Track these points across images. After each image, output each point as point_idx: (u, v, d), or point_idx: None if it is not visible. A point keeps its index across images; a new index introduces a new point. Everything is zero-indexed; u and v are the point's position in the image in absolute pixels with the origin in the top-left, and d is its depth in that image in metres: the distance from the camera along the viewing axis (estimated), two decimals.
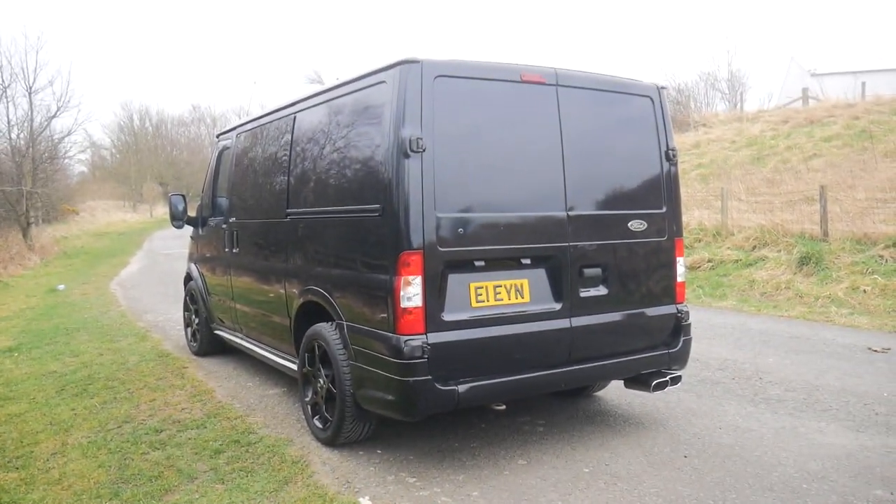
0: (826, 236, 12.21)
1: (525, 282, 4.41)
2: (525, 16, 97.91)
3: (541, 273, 4.48)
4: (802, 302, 10.45)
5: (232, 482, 4.35)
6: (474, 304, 4.23)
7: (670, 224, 5.02)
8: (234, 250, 6.56)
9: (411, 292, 4.02)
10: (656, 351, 4.94)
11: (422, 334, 4.04)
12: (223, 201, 7.01)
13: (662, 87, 5.09)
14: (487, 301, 4.27)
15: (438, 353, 4.05)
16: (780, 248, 12.56)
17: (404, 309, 4.02)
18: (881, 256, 11.18)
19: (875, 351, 7.42)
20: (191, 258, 8.15)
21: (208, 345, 7.74)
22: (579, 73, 4.70)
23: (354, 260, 4.51)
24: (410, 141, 3.99)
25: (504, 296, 4.33)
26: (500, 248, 4.31)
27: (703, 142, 23.28)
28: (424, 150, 4.02)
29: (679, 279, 5.07)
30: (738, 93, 40.95)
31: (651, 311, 4.92)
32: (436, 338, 4.07)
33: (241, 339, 6.77)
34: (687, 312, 5.09)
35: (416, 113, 4.04)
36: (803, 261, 11.61)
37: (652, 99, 5.01)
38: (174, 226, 7.63)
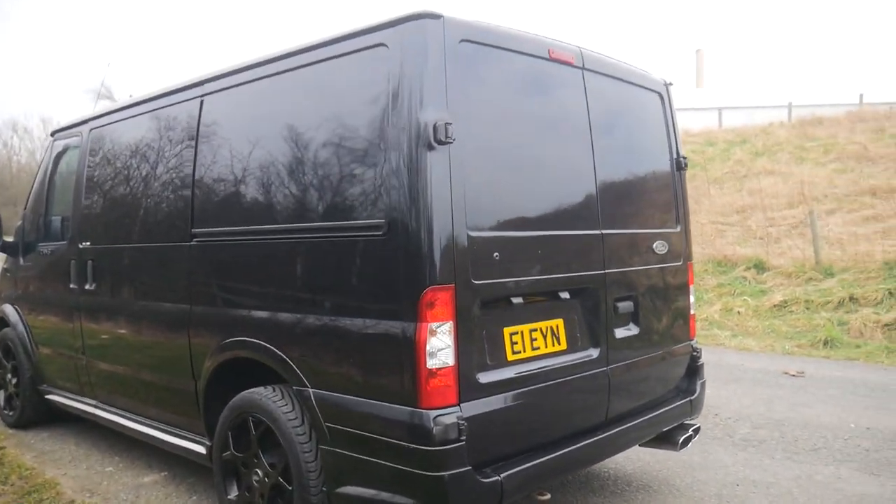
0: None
1: (560, 322, 3.33)
2: None
3: (575, 310, 3.42)
4: None
5: None
6: (510, 357, 3.07)
7: (685, 245, 4.22)
8: (88, 286, 4.78)
9: (438, 345, 2.77)
10: (679, 400, 4.06)
11: (454, 405, 2.80)
12: (64, 221, 5.19)
13: (669, 83, 4.29)
14: (524, 351, 3.13)
15: (477, 429, 2.83)
16: None
17: (430, 370, 2.75)
18: (744, 278, 11.45)
19: (792, 375, 7.22)
20: (5, 298, 6.07)
21: (32, 412, 5.75)
22: (602, 57, 3.73)
23: (334, 300, 3.12)
24: (436, 127, 2.76)
25: (540, 342, 3.21)
26: (539, 279, 3.19)
27: None
28: (454, 142, 2.82)
29: (692, 311, 4.27)
30: None
31: (674, 351, 4.06)
32: (472, 408, 2.85)
33: (96, 407, 4.96)
34: (700, 350, 4.29)
35: (440, 88, 2.83)
36: None
37: (661, 96, 4.19)
38: None
